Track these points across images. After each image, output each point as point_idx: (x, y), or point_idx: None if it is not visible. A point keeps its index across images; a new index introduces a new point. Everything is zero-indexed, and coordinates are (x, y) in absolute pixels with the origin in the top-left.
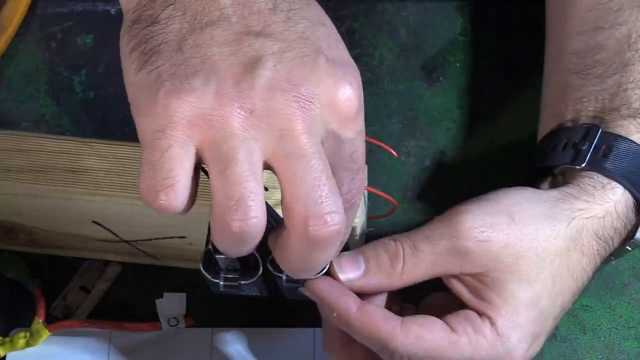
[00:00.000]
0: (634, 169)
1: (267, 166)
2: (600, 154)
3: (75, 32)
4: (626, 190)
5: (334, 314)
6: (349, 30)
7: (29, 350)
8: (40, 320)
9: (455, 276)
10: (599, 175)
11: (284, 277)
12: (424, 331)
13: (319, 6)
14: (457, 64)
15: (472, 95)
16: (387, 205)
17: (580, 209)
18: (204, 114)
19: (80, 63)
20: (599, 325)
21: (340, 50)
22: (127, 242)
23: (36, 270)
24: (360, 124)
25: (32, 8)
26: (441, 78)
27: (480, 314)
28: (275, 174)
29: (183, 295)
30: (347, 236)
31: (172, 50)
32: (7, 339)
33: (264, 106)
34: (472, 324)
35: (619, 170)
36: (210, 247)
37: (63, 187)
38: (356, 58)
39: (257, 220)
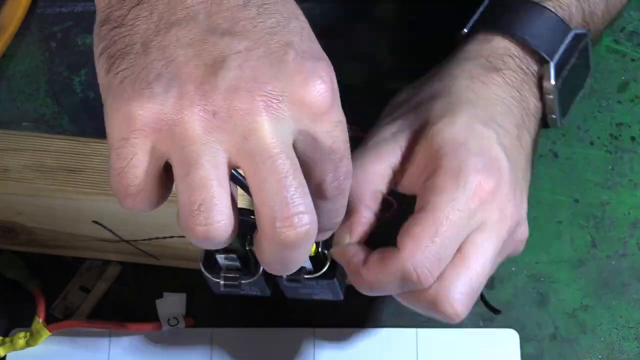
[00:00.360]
0: (511, 19)
1: (236, 167)
2: (483, 17)
3: (75, 32)
4: (503, 37)
5: (352, 281)
6: (348, 30)
7: (29, 350)
8: (40, 320)
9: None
10: (479, 35)
11: (285, 277)
12: (410, 230)
13: (294, 2)
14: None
15: None
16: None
17: (463, 58)
18: (165, 119)
19: (80, 63)
20: (599, 325)
21: (312, 44)
22: (127, 241)
23: (36, 270)
24: (335, 115)
25: (32, 8)
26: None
27: (431, 175)
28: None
29: (183, 295)
30: (339, 220)
31: (136, 53)
32: (7, 339)
33: (228, 108)
34: (430, 185)
35: (493, 24)
36: None
37: (63, 187)
38: (356, 58)
39: (221, 225)
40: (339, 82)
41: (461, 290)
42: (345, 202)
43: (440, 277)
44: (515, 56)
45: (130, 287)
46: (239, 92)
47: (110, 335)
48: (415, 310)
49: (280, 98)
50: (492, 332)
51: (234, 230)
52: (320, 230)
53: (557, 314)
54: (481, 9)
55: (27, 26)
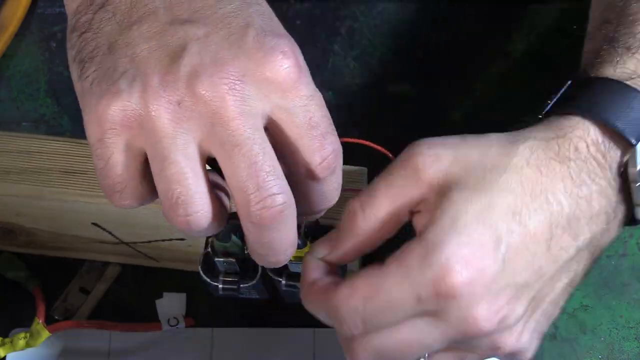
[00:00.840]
0: (596, 97)
1: (209, 153)
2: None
3: None
4: (583, 118)
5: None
6: (349, 30)
7: (29, 350)
8: (40, 321)
9: (418, 212)
10: (556, 116)
11: (284, 282)
12: (355, 278)
13: None
14: (458, 64)
15: (472, 95)
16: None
17: (531, 135)
18: (133, 115)
19: None
20: (599, 325)
21: (273, 23)
22: (126, 243)
23: (36, 271)
24: (306, 89)
25: (32, 8)
26: (441, 78)
27: (419, 235)
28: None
29: (183, 295)
30: (334, 201)
31: (102, 55)
32: (7, 340)
33: (191, 95)
34: (402, 249)
35: (575, 104)
36: (209, 250)
37: (62, 189)
38: (356, 58)
39: (200, 215)
40: (339, 82)
41: None
42: (338, 182)
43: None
44: (593, 143)
45: (130, 288)
46: (200, 78)
47: (110, 336)
48: None
49: (243, 78)
50: None
51: (214, 216)
52: (313, 212)
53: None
54: (562, 90)
55: (27, 26)
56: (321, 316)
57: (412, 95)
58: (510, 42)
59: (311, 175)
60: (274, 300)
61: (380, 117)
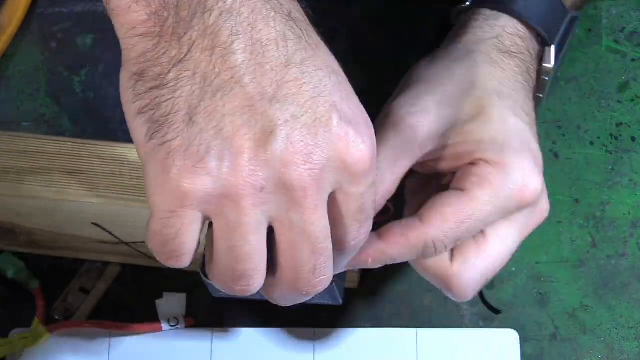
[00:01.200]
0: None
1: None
2: None
3: (75, 32)
4: (511, 17)
5: (370, 260)
6: (349, 31)
7: (29, 350)
8: (40, 321)
9: (424, 163)
10: (484, 9)
11: None
12: (440, 208)
13: (326, 47)
14: None
15: None
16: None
17: (474, 41)
18: (216, 194)
19: (80, 63)
20: (599, 325)
21: (352, 102)
22: (126, 243)
23: (36, 271)
24: (370, 178)
25: (32, 8)
26: None
27: (471, 164)
28: (274, 231)
29: (183, 296)
30: (345, 266)
31: (182, 122)
32: (7, 340)
33: (276, 182)
34: (473, 174)
35: (498, 1)
36: None
37: (63, 189)
38: (356, 58)
39: (256, 285)
40: None
41: (478, 276)
42: (354, 255)
43: (460, 257)
44: (524, 37)
45: (130, 288)
46: (288, 167)
47: (110, 336)
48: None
49: (326, 168)
50: (492, 332)
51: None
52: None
53: (557, 314)
54: None
55: (27, 26)
56: (408, 256)
57: None
58: None
59: (338, 248)
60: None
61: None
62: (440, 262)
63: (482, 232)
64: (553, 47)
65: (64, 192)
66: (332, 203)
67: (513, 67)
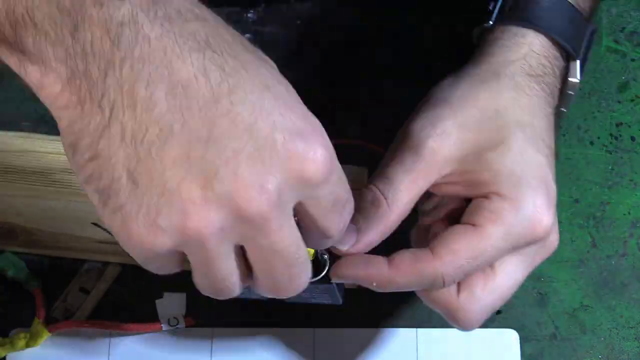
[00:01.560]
0: (543, 12)
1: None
2: (507, 9)
3: None
4: (538, 32)
5: (374, 284)
6: (349, 31)
7: (29, 350)
8: (40, 321)
9: (439, 185)
10: (509, 27)
11: None
12: (453, 244)
13: (257, 57)
14: (458, 64)
15: None
16: None
17: (500, 62)
18: (177, 244)
19: None
20: (599, 325)
21: (294, 112)
22: None
23: (36, 270)
24: (333, 177)
25: None
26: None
27: (485, 197)
28: (246, 250)
29: (183, 295)
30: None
31: (126, 187)
32: (7, 340)
33: (234, 218)
34: (486, 209)
35: (524, 16)
36: None
37: (62, 189)
38: (356, 58)
39: (238, 291)
40: (339, 82)
41: (484, 308)
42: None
43: (466, 289)
44: (550, 56)
45: (129, 288)
46: (242, 201)
47: (110, 335)
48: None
49: (281, 189)
50: (492, 332)
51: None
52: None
53: (557, 314)
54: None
55: None
56: (415, 287)
57: (412, 96)
58: None
59: (326, 236)
60: (274, 300)
61: (380, 117)
62: (446, 293)
63: (490, 265)
64: (578, 62)
65: (63, 192)
66: (303, 210)
67: (538, 91)
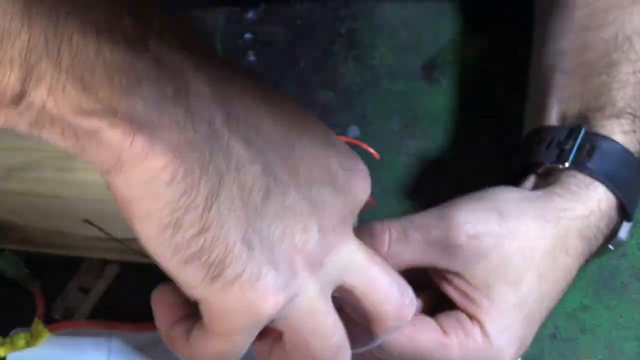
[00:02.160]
0: (616, 168)
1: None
2: (584, 153)
3: None
4: (608, 190)
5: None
6: (349, 31)
7: (29, 350)
8: (40, 321)
9: (443, 277)
10: (583, 174)
11: None
12: (416, 332)
13: (308, 114)
14: (457, 64)
15: (472, 95)
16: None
17: (566, 209)
18: (287, 302)
19: None
20: (599, 325)
21: (353, 168)
22: (118, 240)
23: (36, 270)
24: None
25: None
26: (441, 78)
27: (470, 316)
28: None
29: None
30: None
31: (242, 252)
32: (7, 339)
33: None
34: (463, 327)
35: (601, 169)
36: None
37: (55, 185)
38: (356, 58)
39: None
40: (339, 82)
41: None
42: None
43: None
44: (611, 218)
45: (129, 287)
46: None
47: (110, 335)
48: None
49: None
50: None
51: None
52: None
53: (557, 314)
54: (579, 140)
55: None
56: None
57: (412, 95)
58: (510, 41)
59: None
60: None
61: (380, 117)
62: None
63: None
64: (630, 224)
65: (56, 188)
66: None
67: (579, 254)
